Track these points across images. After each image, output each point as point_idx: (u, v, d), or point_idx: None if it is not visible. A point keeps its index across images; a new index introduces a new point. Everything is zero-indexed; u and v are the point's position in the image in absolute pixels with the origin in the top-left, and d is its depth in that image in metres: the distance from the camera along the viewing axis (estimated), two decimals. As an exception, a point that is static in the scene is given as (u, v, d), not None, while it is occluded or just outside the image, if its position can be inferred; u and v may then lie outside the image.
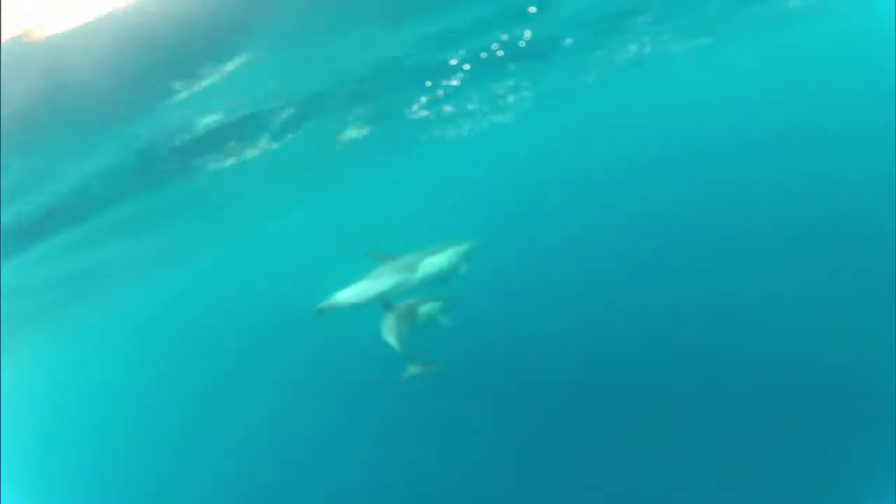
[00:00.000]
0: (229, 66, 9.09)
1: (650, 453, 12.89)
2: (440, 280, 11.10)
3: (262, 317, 34.65)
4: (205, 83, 9.29)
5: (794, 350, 13.63)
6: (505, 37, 14.03)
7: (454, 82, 16.61)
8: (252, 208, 27.37)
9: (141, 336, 52.47)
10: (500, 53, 15.08)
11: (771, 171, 24.69)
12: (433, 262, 10.93)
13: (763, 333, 14.66)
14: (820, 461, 11.27)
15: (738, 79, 46.54)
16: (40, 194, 11.08)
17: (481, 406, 16.31)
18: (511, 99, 23.25)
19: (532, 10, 12.71)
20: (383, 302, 10.74)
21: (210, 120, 11.41)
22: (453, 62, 14.70)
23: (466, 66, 15.33)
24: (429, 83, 16.17)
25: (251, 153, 15.36)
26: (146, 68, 7.72)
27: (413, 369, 10.44)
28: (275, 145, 15.55)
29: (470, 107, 21.61)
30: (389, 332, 10.62)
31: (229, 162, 15.11)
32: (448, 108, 20.39)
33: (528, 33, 14.23)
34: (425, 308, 10.98)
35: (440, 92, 17.30)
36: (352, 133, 18.86)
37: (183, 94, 9.44)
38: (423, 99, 17.74)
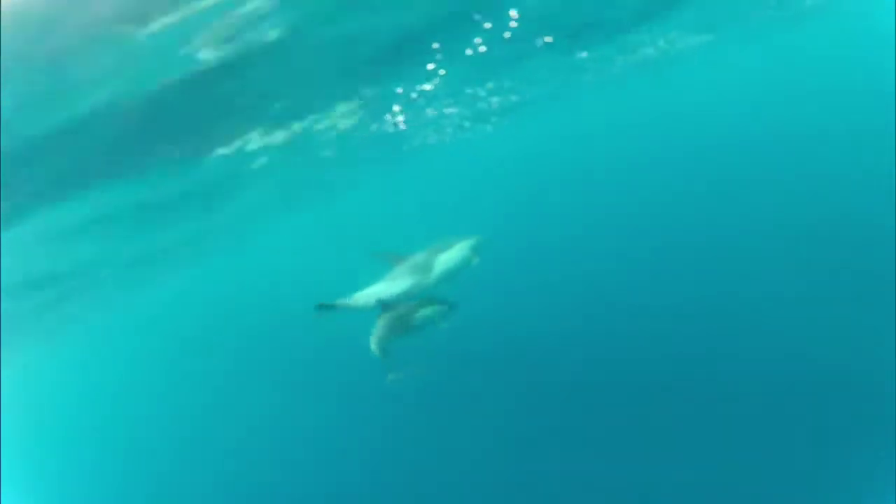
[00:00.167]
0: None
1: (650, 453, 12.89)
2: (454, 275, 11.04)
3: (264, 319, 34.78)
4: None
5: (795, 350, 13.64)
6: (479, 40, 13.81)
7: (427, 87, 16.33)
8: (250, 211, 27.38)
9: (143, 337, 52.52)
10: (483, 49, 14.57)
11: (774, 170, 24.70)
12: (446, 258, 10.85)
13: (764, 333, 14.67)
14: (820, 461, 11.26)
15: (739, 79, 46.55)
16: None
17: (483, 406, 16.34)
18: (495, 102, 22.75)
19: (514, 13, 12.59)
20: (382, 303, 10.57)
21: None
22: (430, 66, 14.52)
23: (442, 72, 15.09)
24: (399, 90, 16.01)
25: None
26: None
27: (393, 376, 10.40)
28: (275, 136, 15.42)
29: (448, 111, 21.18)
30: (374, 336, 10.44)
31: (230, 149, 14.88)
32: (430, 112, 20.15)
33: (507, 34, 14.09)
34: (423, 312, 10.87)
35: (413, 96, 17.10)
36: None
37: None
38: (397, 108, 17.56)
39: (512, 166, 51.61)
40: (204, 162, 15.02)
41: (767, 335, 14.55)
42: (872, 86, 30.41)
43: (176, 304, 50.43)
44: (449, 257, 10.83)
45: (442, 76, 15.59)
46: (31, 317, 23.38)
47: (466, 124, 25.00)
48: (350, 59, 12.34)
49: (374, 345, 10.43)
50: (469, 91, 19.58)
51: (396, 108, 17.92)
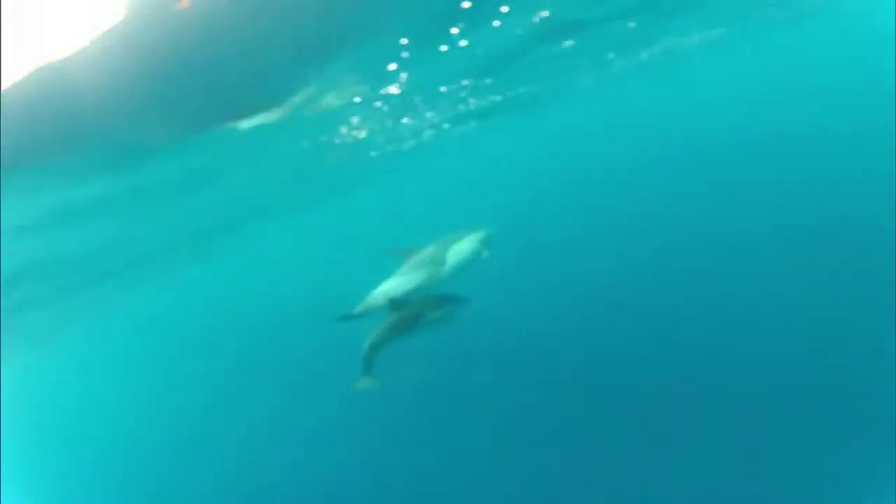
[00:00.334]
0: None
1: (648, 452, 12.90)
2: (466, 268, 11.02)
3: (267, 320, 34.78)
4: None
5: (795, 350, 13.64)
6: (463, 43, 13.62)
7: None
8: (249, 210, 27.40)
9: (144, 337, 52.54)
10: (464, 44, 14.28)
11: (774, 169, 24.69)
12: (458, 250, 10.87)
13: (766, 333, 14.68)
14: (820, 461, 11.25)
15: (738, 78, 46.59)
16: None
17: (491, 403, 16.36)
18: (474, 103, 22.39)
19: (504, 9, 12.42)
20: (392, 301, 10.38)
21: None
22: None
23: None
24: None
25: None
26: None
27: (364, 382, 10.29)
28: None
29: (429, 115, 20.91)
30: (373, 335, 10.33)
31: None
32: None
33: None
34: (433, 312, 10.77)
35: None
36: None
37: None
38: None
39: (514, 165, 51.73)
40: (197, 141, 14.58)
41: (769, 335, 14.56)
42: (872, 86, 30.42)
43: (176, 305, 50.51)
44: (459, 250, 10.86)
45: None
46: (32, 316, 23.39)
47: (450, 126, 24.74)
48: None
49: (368, 343, 10.35)
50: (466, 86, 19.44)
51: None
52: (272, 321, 33.87)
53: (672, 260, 20.05)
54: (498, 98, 22.74)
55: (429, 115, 20.51)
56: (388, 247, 11.28)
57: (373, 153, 23.79)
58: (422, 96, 17.99)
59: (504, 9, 12.49)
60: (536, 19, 14.24)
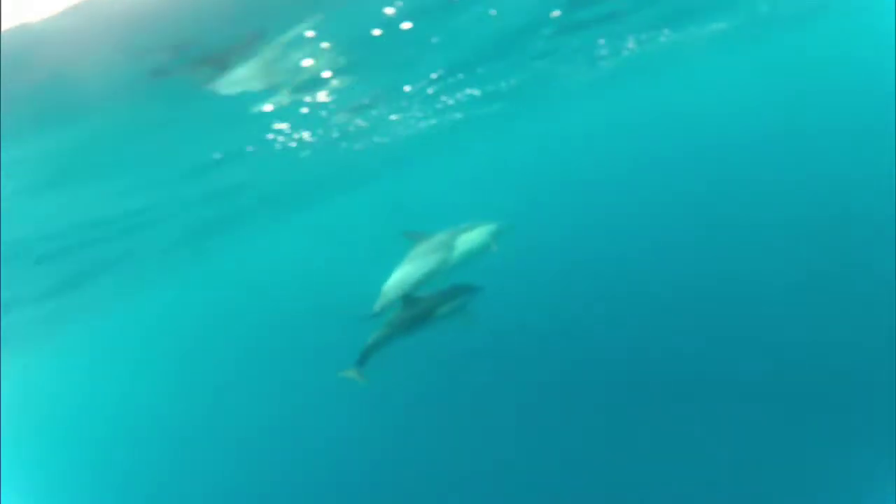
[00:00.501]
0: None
1: (647, 451, 12.91)
2: (475, 257, 11.10)
3: (269, 320, 34.73)
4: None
5: (796, 350, 13.65)
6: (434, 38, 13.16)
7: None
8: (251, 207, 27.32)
9: (144, 337, 52.56)
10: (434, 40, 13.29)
11: (774, 169, 24.70)
12: (468, 239, 11.00)
13: (767, 332, 14.69)
14: (820, 461, 11.26)
15: (737, 78, 46.58)
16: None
17: (499, 400, 16.40)
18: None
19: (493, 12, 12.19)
20: (405, 296, 10.43)
21: None
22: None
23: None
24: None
25: None
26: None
27: (351, 372, 10.30)
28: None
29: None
30: (381, 331, 10.34)
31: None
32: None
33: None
34: (444, 308, 10.76)
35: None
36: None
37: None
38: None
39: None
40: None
41: (771, 334, 14.57)
42: (872, 85, 30.43)
43: (176, 304, 50.51)
44: (471, 237, 10.99)
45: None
46: (32, 315, 23.35)
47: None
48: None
49: (373, 338, 10.37)
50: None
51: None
52: (282, 319, 33.82)
53: (670, 260, 20.06)
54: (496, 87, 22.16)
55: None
56: (404, 232, 11.37)
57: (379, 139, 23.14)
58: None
59: None
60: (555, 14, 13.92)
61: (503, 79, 20.25)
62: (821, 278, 15.69)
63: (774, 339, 14.28)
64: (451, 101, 20.95)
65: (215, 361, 35.43)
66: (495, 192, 37.79)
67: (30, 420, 43.14)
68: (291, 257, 51.20)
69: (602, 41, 19.38)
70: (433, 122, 23.62)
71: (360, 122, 18.53)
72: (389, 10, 9.44)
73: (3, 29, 5.58)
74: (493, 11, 11.88)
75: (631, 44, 21.39)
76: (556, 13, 13.86)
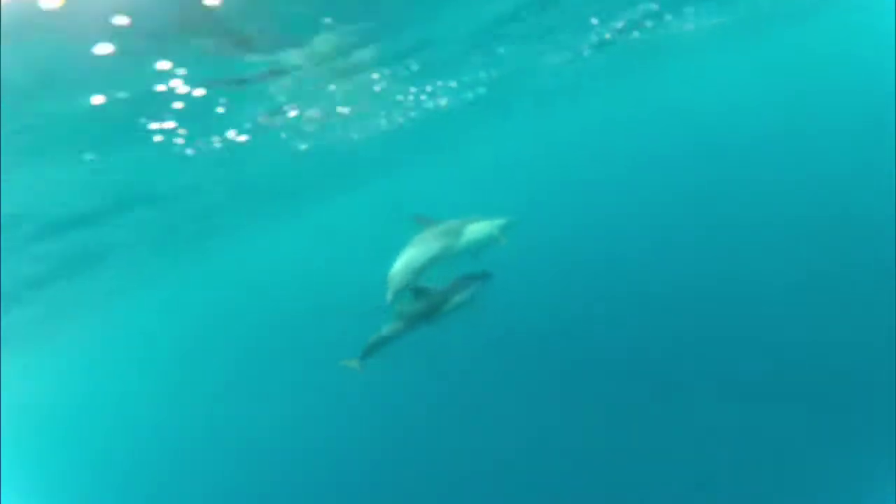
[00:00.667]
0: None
1: (646, 451, 12.91)
2: (482, 247, 11.14)
3: (270, 320, 34.66)
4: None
5: (796, 349, 13.64)
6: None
7: None
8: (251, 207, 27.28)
9: (145, 337, 52.54)
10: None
11: (774, 168, 24.67)
12: (476, 229, 11.03)
13: (768, 332, 14.68)
14: (820, 460, 11.26)
15: (737, 77, 46.52)
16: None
17: (506, 397, 16.42)
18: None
19: None
20: (415, 287, 10.45)
21: None
22: None
23: None
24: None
25: None
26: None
27: (353, 362, 10.37)
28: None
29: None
30: (395, 320, 10.38)
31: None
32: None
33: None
34: (454, 300, 10.74)
35: None
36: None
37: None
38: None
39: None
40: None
41: (771, 333, 14.56)
42: (872, 81, 30.38)
43: (176, 304, 50.49)
44: (479, 228, 11.02)
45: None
46: (32, 314, 23.30)
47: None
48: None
49: (382, 332, 10.40)
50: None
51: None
52: (282, 319, 33.80)
53: (670, 261, 20.05)
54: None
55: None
56: (414, 216, 11.40)
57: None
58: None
59: None
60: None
61: (487, 69, 20.02)
62: (820, 276, 15.67)
63: (775, 339, 14.27)
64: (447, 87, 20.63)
65: (215, 361, 35.43)
66: (501, 189, 37.81)
67: (30, 420, 43.12)
68: (294, 255, 51.18)
69: (599, 22, 19.09)
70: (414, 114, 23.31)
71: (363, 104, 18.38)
72: None
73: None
74: None
75: (635, 34, 21.17)
76: None
